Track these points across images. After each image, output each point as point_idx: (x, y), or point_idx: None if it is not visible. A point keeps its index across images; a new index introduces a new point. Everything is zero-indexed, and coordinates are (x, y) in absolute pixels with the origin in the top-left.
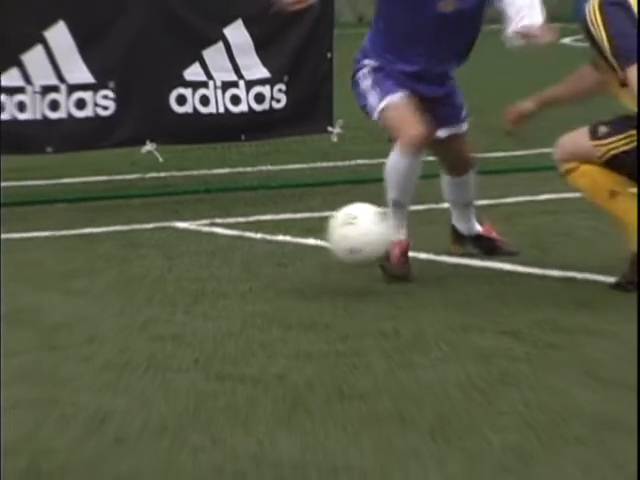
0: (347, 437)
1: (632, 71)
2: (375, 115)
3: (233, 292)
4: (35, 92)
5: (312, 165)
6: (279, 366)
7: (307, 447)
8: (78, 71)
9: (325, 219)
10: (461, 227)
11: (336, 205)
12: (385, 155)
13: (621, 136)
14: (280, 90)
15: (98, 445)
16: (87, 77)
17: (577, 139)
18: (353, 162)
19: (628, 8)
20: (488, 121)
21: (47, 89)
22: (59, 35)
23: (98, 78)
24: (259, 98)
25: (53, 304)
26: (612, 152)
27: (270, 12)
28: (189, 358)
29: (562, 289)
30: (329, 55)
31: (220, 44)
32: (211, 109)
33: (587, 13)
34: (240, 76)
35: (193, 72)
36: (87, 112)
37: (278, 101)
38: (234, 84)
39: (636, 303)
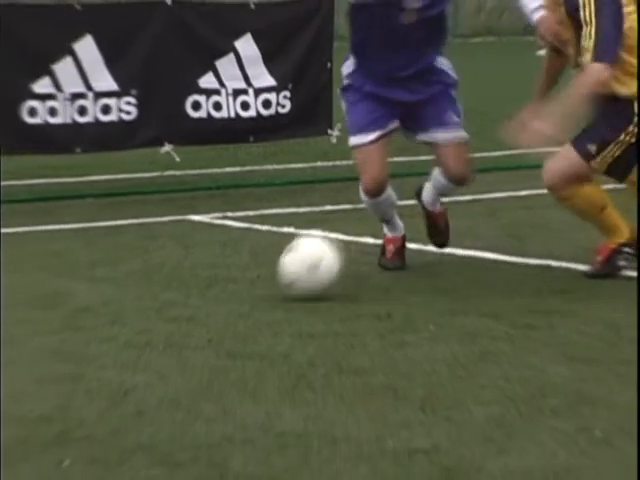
0: (345, 409)
1: (596, 67)
2: (349, 143)
3: (243, 278)
4: (65, 99)
5: (313, 164)
6: (284, 344)
7: (309, 418)
8: (104, 80)
9: (325, 213)
10: (426, 199)
11: (335, 200)
12: None
13: (611, 145)
14: (285, 97)
15: (121, 416)
16: (112, 85)
17: (567, 164)
18: (351, 162)
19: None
20: (473, 124)
21: (76, 96)
22: (87, 48)
23: (122, 86)
24: (266, 104)
25: (79, 289)
26: (608, 161)
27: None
28: (203, 337)
29: (539, 276)
30: (329, 65)
31: (231, 55)
32: (223, 114)
33: None
34: (249, 84)
35: (207, 81)
36: (112, 117)
37: (283, 106)
38: (244, 91)
39: (610, 289)
